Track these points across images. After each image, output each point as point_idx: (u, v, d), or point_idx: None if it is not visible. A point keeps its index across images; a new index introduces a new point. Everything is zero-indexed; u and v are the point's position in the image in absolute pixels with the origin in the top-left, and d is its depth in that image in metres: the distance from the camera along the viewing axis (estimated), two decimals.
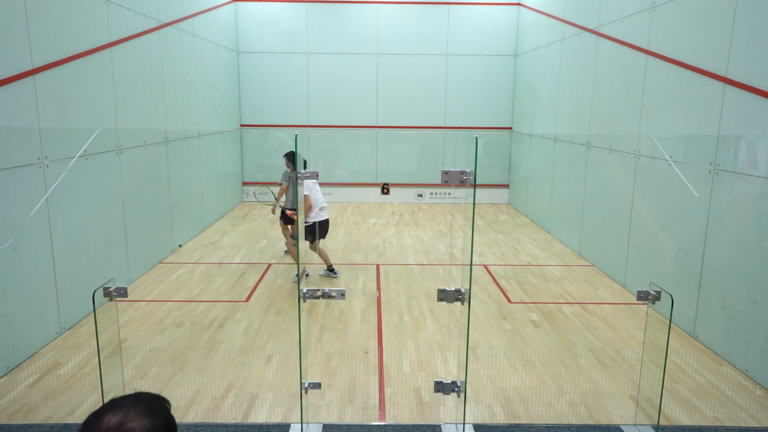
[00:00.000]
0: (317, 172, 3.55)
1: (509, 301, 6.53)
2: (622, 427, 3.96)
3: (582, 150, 8.47)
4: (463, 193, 12.95)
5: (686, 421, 4.07)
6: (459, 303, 3.55)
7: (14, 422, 3.95)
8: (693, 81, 5.61)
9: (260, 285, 6.99)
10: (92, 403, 4.19)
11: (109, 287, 3.49)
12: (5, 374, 4.61)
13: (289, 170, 7.34)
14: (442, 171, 3.33)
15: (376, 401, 4.29)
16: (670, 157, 5.99)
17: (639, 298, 3.59)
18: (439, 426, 3.95)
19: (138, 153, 7.14)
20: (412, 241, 9.35)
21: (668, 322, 3.63)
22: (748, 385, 4.61)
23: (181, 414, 4.06)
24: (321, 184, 12.61)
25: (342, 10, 12.48)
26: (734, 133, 5.02)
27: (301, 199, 6.77)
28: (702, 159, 5.41)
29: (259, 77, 12.67)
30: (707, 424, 4.02)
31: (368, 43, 12.58)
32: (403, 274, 7.57)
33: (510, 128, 12.90)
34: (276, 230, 9.98)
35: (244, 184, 12.95)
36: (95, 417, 1.23)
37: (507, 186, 13.08)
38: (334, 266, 7.43)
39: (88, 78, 5.97)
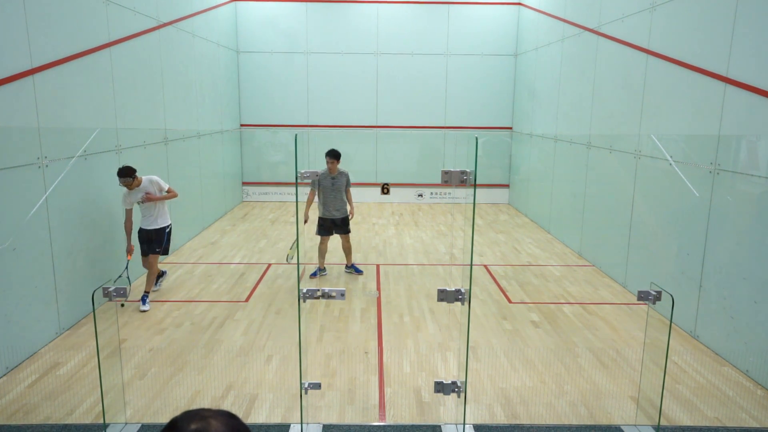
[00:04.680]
0: (317, 172, 3.55)
1: (509, 301, 6.52)
2: (622, 427, 3.95)
3: (582, 150, 8.46)
4: (463, 193, 12.94)
5: (687, 421, 4.06)
6: (459, 303, 3.54)
7: (13, 422, 3.94)
8: (694, 80, 5.60)
9: (260, 285, 6.98)
10: (91, 403, 4.18)
11: (109, 287, 3.48)
12: (4, 374, 4.60)
13: (345, 172, 7.16)
14: (442, 171, 3.33)
15: (376, 401, 4.28)
16: (671, 156, 5.98)
17: (639, 298, 3.59)
18: (440, 426, 3.94)
19: (137, 153, 7.13)
20: (412, 241, 9.34)
21: (669, 322, 3.62)
22: (749, 385, 4.60)
23: None
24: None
25: (342, 10, 12.47)
26: (735, 133, 5.01)
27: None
28: (703, 159, 5.40)
29: (259, 77, 12.65)
30: (708, 425, 4.01)
31: (368, 43, 12.56)
32: (403, 274, 7.56)
33: (510, 128, 12.89)
34: (275, 230, 9.98)
35: (244, 184, 12.94)
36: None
37: (507, 186, 13.07)
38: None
39: (88, 78, 5.96)
